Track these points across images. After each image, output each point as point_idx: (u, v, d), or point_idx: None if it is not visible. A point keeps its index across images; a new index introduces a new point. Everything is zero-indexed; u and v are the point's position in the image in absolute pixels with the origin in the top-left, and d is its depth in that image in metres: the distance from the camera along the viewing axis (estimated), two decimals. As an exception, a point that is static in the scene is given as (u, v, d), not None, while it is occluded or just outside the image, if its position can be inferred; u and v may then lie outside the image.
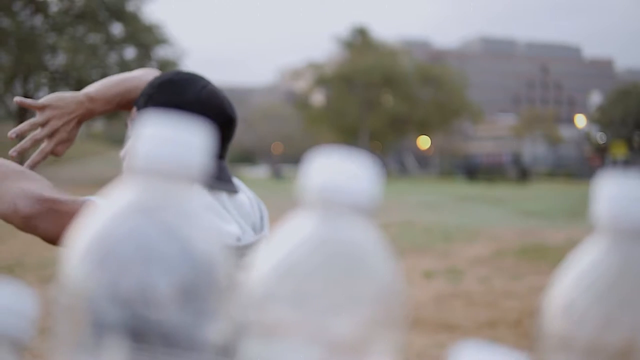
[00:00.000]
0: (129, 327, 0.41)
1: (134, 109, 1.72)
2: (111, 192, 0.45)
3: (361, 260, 0.45)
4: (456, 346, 0.44)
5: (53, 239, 1.42)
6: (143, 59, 35.70)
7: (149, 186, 0.44)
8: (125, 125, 1.80)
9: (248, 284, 0.45)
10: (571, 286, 0.45)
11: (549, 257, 10.06)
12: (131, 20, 34.70)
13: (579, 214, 16.95)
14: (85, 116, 1.75)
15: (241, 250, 1.50)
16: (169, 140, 0.44)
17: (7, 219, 1.41)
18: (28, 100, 1.70)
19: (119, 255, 0.42)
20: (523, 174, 44.61)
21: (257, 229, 1.68)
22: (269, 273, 0.44)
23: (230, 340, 0.44)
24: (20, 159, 1.61)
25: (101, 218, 0.43)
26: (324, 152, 0.46)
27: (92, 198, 1.44)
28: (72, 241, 0.44)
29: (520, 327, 6.18)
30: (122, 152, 1.66)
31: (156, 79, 1.73)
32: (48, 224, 1.40)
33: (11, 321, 0.44)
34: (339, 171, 0.45)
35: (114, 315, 0.41)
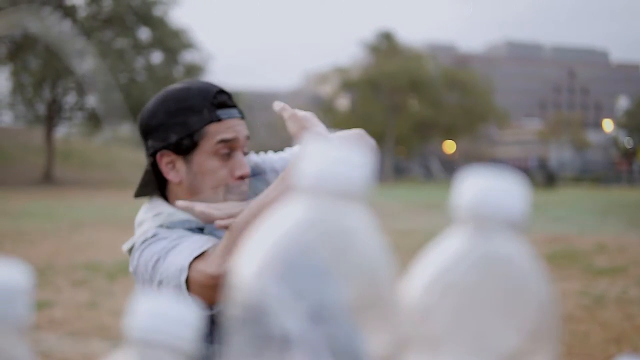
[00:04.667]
0: (302, 340, 0.42)
1: (149, 143, 1.62)
2: (282, 209, 0.46)
3: (518, 274, 0.46)
4: (616, 358, 0.45)
5: None
6: (170, 64, 35.94)
7: (320, 203, 0.45)
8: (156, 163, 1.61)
9: (408, 298, 0.46)
10: None
11: (579, 262, 9.93)
12: (158, 25, 34.95)
13: (607, 219, 16.73)
14: None
15: None
16: (338, 159, 0.46)
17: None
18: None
19: (296, 270, 0.43)
20: (550, 179, 44.19)
21: None
22: (429, 287, 0.45)
23: (394, 354, 0.45)
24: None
25: (276, 235, 0.45)
26: (474, 170, 0.48)
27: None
28: (243, 257, 0.45)
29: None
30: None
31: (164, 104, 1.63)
32: None
33: (179, 332, 0.46)
34: (491, 188, 0.47)
35: (289, 329, 0.42)
